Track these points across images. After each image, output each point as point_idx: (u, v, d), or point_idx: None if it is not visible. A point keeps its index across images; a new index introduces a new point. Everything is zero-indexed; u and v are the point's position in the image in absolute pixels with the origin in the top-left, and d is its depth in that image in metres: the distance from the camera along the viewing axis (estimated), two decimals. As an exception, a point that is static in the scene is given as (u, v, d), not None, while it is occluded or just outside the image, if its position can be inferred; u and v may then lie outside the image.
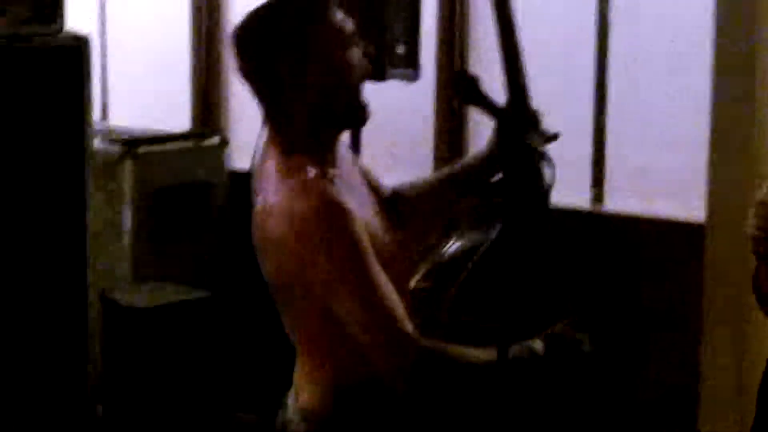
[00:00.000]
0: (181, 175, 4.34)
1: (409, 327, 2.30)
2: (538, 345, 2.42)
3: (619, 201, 3.97)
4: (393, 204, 2.64)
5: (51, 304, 3.80)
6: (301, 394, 2.44)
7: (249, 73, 2.38)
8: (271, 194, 2.38)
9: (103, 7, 5.11)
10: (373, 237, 2.37)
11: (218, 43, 4.77)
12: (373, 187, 2.60)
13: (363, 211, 2.40)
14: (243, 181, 4.17)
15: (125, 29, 5.11)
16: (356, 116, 2.41)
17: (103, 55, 5.05)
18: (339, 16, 2.38)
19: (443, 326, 2.72)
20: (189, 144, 4.47)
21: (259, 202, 2.42)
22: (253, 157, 4.23)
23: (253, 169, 2.74)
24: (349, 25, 2.39)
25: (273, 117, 2.41)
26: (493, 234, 2.88)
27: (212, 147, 4.48)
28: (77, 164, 3.85)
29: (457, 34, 4.12)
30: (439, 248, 2.98)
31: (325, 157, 2.40)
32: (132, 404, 3.78)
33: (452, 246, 2.97)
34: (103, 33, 5.09)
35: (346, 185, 2.40)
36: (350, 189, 2.41)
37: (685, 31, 3.83)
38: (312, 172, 2.33)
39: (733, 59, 3.61)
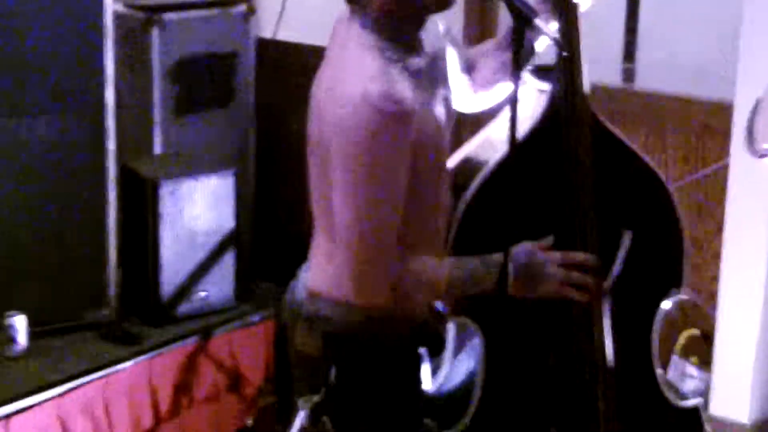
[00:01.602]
0: (206, 43, 4.29)
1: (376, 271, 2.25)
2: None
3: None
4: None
5: (72, 175, 3.78)
6: (312, 270, 2.44)
7: None
8: (336, 61, 2.34)
9: None
10: (436, 129, 2.34)
11: None
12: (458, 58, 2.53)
13: (431, 105, 2.35)
14: (270, 49, 4.42)
15: None
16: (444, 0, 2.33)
17: None
18: None
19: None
20: (214, 11, 4.35)
21: (325, 63, 2.38)
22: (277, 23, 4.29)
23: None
24: None
25: None
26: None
27: (239, 15, 4.37)
28: (95, 27, 3.76)
29: None
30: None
31: (405, 41, 2.35)
32: (149, 272, 3.80)
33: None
34: None
35: (423, 73, 2.34)
36: (426, 79, 2.36)
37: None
38: (380, 58, 2.28)
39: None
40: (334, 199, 2.31)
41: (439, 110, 2.36)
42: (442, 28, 2.49)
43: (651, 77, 3.88)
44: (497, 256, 2.25)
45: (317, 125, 2.32)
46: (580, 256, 2.36)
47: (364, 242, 2.27)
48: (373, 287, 2.28)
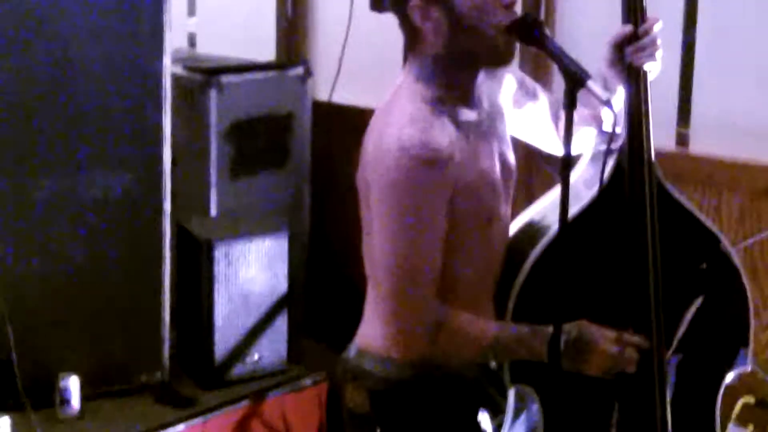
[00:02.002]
0: (263, 105, 4.33)
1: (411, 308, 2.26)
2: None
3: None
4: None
5: (127, 234, 3.81)
6: (362, 325, 2.47)
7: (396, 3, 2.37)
8: (384, 111, 2.40)
9: None
10: (480, 181, 2.35)
11: None
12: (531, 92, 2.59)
13: (478, 157, 2.37)
14: (325, 112, 4.49)
15: None
16: (498, 56, 2.37)
17: None
18: None
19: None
20: (272, 74, 4.42)
21: (375, 115, 2.43)
22: (333, 86, 4.47)
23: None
24: None
25: (411, 45, 2.40)
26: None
27: (294, 77, 4.43)
28: (154, 88, 3.77)
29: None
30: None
31: (454, 93, 2.38)
32: (203, 334, 3.81)
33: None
34: None
35: (473, 126, 2.37)
36: (475, 131, 2.38)
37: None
38: (423, 106, 2.32)
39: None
40: (375, 247, 2.34)
41: (489, 163, 2.37)
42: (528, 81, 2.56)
43: (706, 138, 3.85)
44: (550, 328, 2.26)
45: (363, 174, 2.35)
46: (634, 338, 2.37)
47: (400, 289, 2.28)
48: (410, 337, 2.28)
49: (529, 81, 2.65)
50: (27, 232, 3.66)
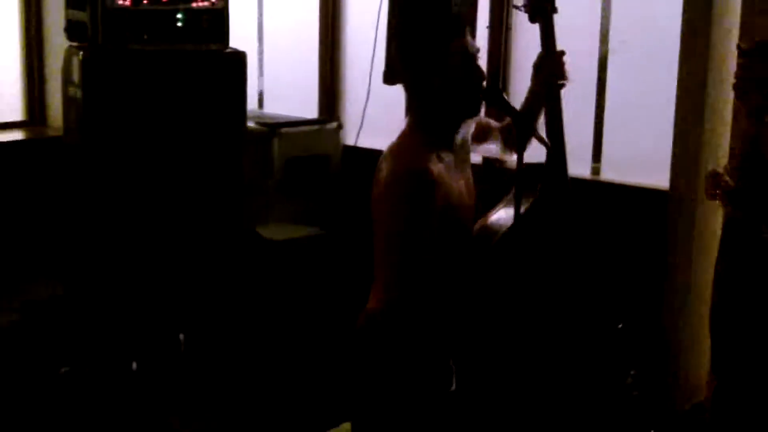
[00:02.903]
0: (309, 149, 4.83)
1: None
2: None
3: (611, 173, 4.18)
4: (508, 130, 2.86)
5: (215, 236, 4.39)
6: (370, 300, 2.69)
7: (405, 72, 2.59)
8: (387, 150, 2.61)
9: (260, 27, 5.51)
10: (458, 199, 2.58)
11: (338, 52, 5.17)
12: (486, 127, 2.80)
13: (456, 184, 2.58)
14: (352, 153, 4.91)
15: (276, 41, 5.47)
16: (474, 108, 2.62)
17: (261, 60, 5.49)
18: (469, 37, 2.63)
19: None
20: (316, 127, 4.96)
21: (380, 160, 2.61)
22: (358, 134, 4.75)
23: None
24: (475, 45, 2.65)
25: (415, 106, 2.61)
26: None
27: (331, 129, 4.96)
28: (237, 139, 4.44)
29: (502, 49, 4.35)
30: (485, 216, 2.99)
31: (442, 138, 2.57)
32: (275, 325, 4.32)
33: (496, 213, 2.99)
34: (261, 45, 5.47)
35: (452, 162, 2.57)
36: (456, 164, 2.58)
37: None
38: (418, 144, 2.52)
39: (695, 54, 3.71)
40: (377, 258, 2.58)
41: (460, 186, 2.63)
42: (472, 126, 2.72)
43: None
44: None
45: (374, 193, 2.60)
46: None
47: (395, 265, 2.53)
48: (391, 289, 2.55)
49: (484, 119, 2.89)
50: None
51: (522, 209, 2.65)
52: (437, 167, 2.51)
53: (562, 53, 2.80)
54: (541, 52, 2.78)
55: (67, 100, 4.39)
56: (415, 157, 2.50)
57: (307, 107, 5.26)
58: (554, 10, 2.78)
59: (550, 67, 2.77)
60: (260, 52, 5.46)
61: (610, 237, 3.93)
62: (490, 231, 2.77)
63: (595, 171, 4.32)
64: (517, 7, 2.77)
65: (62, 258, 4.54)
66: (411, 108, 2.63)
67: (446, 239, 2.58)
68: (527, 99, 2.87)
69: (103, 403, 3.76)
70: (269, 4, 5.50)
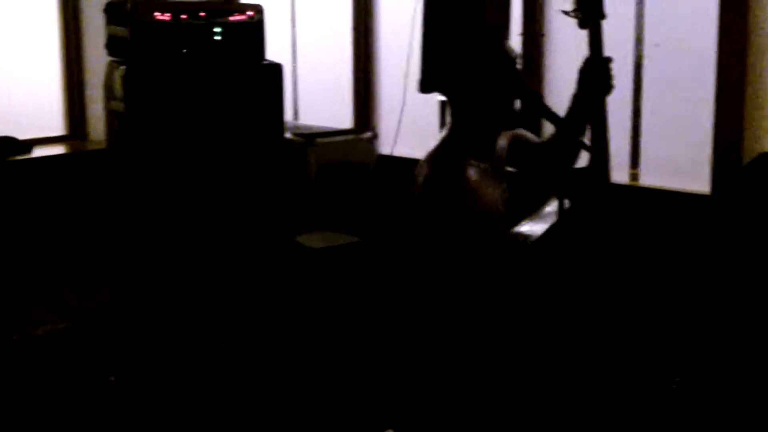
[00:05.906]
0: (345, 158, 4.91)
1: None
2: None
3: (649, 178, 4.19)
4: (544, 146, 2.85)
5: (257, 245, 4.50)
6: None
7: (449, 88, 2.67)
8: (425, 161, 2.71)
9: (294, 43, 5.66)
10: (494, 206, 2.63)
11: (372, 64, 5.26)
12: (525, 141, 2.79)
13: (491, 189, 2.62)
14: (387, 162, 4.99)
15: (309, 56, 5.62)
16: (510, 122, 2.70)
17: (294, 75, 5.65)
18: (508, 43, 2.74)
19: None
20: (351, 137, 5.05)
21: (422, 165, 2.72)
22: (393, 143, 4.82)
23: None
24: (515, 50, 2.76)
25: (454, 113, 2.68)
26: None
27: (366, 139, 5.06)
28: (275, 149, 4.53)
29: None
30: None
31: (480, 145, 2.63)
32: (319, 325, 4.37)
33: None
34: (294, 60, 5.63)
35: (489, 168, 2.62)
36: (493, 172, 2.62)
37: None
38: (452, 150, 2.60)
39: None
40: None
41: (497, 196, 2.68)
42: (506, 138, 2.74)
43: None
44: None
45: (413, 196, 2.75)
46: None
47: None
48: None
49: (521, 131, 2.89)
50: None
51: (556, 219, 2.70)
52: (474, 175, 2.59)
53: (610, 59, 2.75)
54: (587, 58, 2.73)
55: (110, 114, 4.48)
56: (452, 165, 2.59)
57: (342, 119, 5.37)
58: (603, 15, 2.71)
59: (598, 73, 2.72)
60: (294, 67, 5.60)
61: (650, 241, 3.96)
62: (525, 239, 2.81)
63: (633, 177, 4.35)
64: (566, 13, 2.71)
65: (108, 266, 4.64)
66: (451, 115, 2.70)
67: (479, 246, 2.65)
68: (571, 105, 2.82)
69: (150, 410, 3.80)
70: (302, 20, 5.60)
